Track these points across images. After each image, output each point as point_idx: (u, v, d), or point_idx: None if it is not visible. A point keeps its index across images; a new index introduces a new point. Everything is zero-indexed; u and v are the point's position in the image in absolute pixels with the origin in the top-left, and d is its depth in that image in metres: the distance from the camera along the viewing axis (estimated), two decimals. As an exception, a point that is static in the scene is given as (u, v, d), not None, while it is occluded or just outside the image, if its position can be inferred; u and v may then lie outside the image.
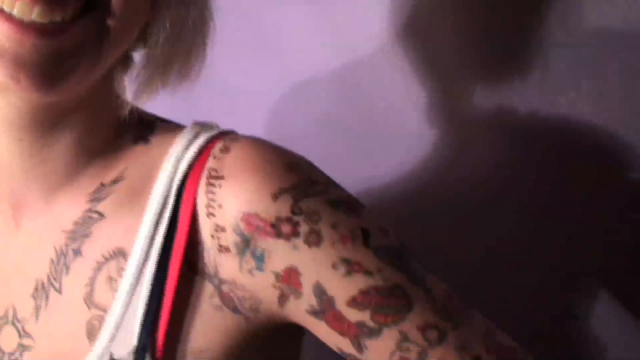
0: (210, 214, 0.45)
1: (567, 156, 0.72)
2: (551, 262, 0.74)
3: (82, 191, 0.49)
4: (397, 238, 0.47)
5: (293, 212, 0.44)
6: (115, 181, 0.48)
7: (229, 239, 0.45)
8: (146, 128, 0.50)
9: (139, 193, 0.48)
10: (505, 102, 0.72)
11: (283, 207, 0.44)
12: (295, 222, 0.44)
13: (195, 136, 0.48)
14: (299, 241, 0.44)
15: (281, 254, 0.44)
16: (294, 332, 0.52)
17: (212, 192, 0.45)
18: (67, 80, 0.41)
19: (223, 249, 0.45)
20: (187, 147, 0.47)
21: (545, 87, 0.70)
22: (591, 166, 0.71)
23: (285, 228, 0.44)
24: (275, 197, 0.44)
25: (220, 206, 0.45)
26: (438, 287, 0.46)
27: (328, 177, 0.48)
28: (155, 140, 0.50)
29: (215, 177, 0.45)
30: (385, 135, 0.78)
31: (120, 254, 0.47)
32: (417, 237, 0.77)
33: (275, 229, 0.44)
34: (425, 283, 0.45)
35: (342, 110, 0.80)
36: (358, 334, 0.44)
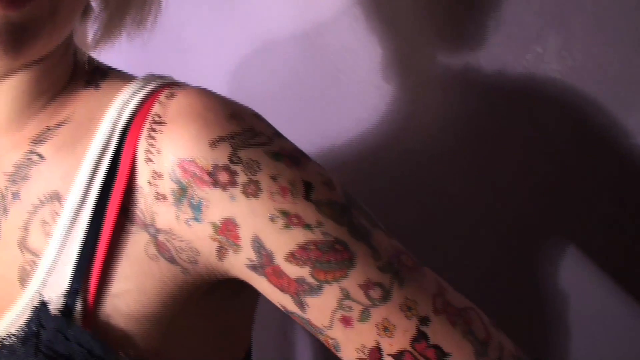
0: (148, 160, 0.44)
1: (534, 113, 0.70)
2: (505, 214, 0.73)
3: (28, 134, 0.48)
4: (344, 194, 0.45)
5: (231, 161, 0.42)
6: (59, 124, 0.48)
7: (166, 186, 0.43)
8: (99, 75, 0.50)
9: (82, 137, 0.46)
10: (471, 60, 0.70)
11: (221, 155, 0.42)
12: (233, 171, 0.42)
13: (146, 84, 0.47)
14: (237, 191, 0.42)
15: (218, 204, 0.42)
16: (244, 296, 0.51)
17: (153, 138, 0.44)
18: (35, 45, 0.43)
19: (160, 196, 0.43)
20: (134, 94, 0.46)
21: (511, 43, 0.68)
22: (559, 123, 0.69)
23: (223, 177, 0.42)
24: (214, 144, 0.42)
25: (158, 152, 0.43)
26: (385, 244, 0.44)
27: (275, 130, 0.46)
28: (106, 85, 0.49)
29: (158, 122, 0.44)
30: (348, 93, 0.77)
31: (56, 197, 0.46)
32: (377, 190, 0.76)
33: (213, 177, 0.42)
34: (369, 239, 0.43)
35: (305, 68, 0.79)
36: (299, 290, 0.42)
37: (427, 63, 0.72)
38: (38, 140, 0.47)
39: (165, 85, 0.47)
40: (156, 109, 0.44)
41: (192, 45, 0.82)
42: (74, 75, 0.50)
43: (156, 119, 0.44)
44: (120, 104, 0.46)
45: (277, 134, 0.46)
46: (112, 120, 0.45)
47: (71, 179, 0.45)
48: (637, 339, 0.69)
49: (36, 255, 0.45)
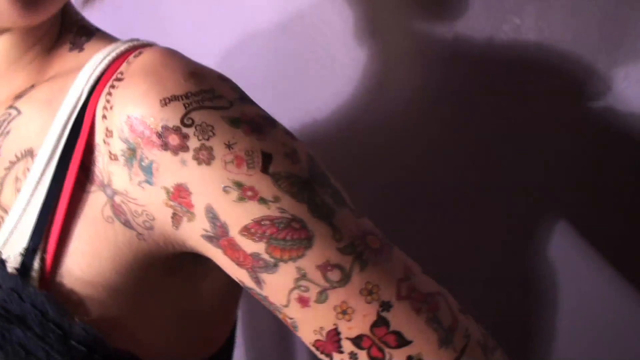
0: (104, 117, 0.42)
1: (514, 86, 0.65)
2: (485, 187, 0.70)
3: (16, 92, 0.48)
4: (310, 168, 0.41)
5: (183, 123, 0.39)
6: (41, 84, 0.48)
7: (116, 145, 0.41)
8: (85, 37, 0.49)
9: (58, 94, 0.46)
10: (448, 31, 0.65)
11: (172, 115, 0.39)
12: (184, 134, 0.39)
13: (123, 44, 0.46)
14: (188, 156, 0.39)
15: (169, 168, 0.39)
16: (215, 278, 0.49)
17: (110, 94, 0.42)
18: (51, 5, 0.43)
19: (113, 156, 0.41)
20: (109, 53, 0.45)
21: (489, 15, 0.63)
22: (538, 94, 0.64)
23: (173, 140, 0.39)
24: (165, 103, 0.39)
25: (111, 108, 0.41)
26: (349, 224, 0.40)
27: (240, 95, 0.42)
28: (89, 47, 0.48)
29: (118, 79, 0.42)
30: (326, 65, 0.74)
31: (30, 154, 0.45)
32: (350, 160, 0.74)
33: (162, 139, 0.39)
34: (332, 218, 0.40)
35: (284, 41, 0.76)
36: (254, 266, 0.40)
37: (403, 34, 0.68)
38: (19, 96, 0.48)
39: (139, 46, 0.45)
40: (122, 67, 0.42)
41: (176, 29, 0.81)
42: (61, 35, 0.50)
43: (118, 76, 0.42)
44: (95, 63, 0.45)
45: (243, 99, 0.41)
46: (85, 78, 0.44)
47: (44, 136, 0.44)
48: (629, 322, 0.66)
49: (5, 212, 0.45)
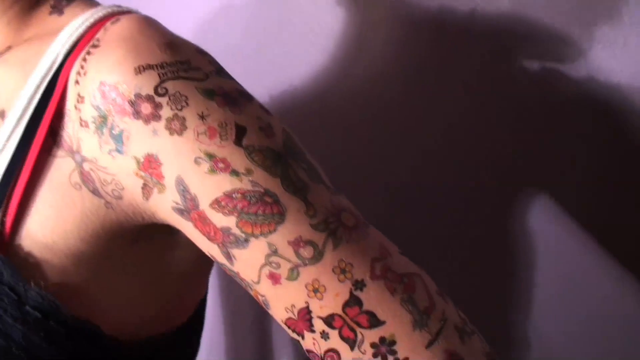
0: (77, 82, 0.41)
1: (491, 55, 0.63)
2: (463, 155, 0.69)
3: None
4: (285, 142, 0.40)
5: (156, 92, 0.38)
6: (18, 45, 0.47)
7: (87, 112, 0.40)
8: (65, 1, 0.49)
9: (32, 57, 0.45)
10: (445, 2, 0.63)
11: (145, 84, 0.38)
12: (157, 104, 0.38)
13: (102, 10, 0.45)
14: (160, 126, 0.38)
15: (140, 137, 0.39)
16: (184, 250, 0.48)
17: (85, 60, 0.41)
18: None
19: (83, 122, 0.41)
20: (88, 19, 0.44)
21: None
22: (532, 66, 0.62)
23: (145, 108, 0.38)
24: (139, 70, 0.39)
25: (85, 73, 0.41)
26: (324, 200, 0.39)
27: (217, 68, 0.41)
28: (69, 11, 0.48)
29: (94, 45, 0.41)
30: (302, 36, 0.73)
31: (1, 115, 0.45)
32: (329, 128, 0.73)
33: (134, 107, 0.38)
34: (305, 193, 0.39)
35: (262, 11, 0.75)
36: (225, 241, 0.39)
37: (382, 2, 0.66)
38: None
39: (118, 13, 0.44)
40: (99, 33, 0.42)
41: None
42: None
43: (95, 42, 0.41)
44: (73, 27, 0.44)
45: (219, 73, 0.41)
46: (62, 42, 0.44)
47: (16, 97, 0.44)
48: (608, 296, 0.64)
49: None
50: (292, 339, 0.90)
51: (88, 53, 0.41)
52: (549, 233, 0.66)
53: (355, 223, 0.39)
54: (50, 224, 0.42)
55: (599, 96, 0.59)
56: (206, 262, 0.53)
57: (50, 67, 0.43)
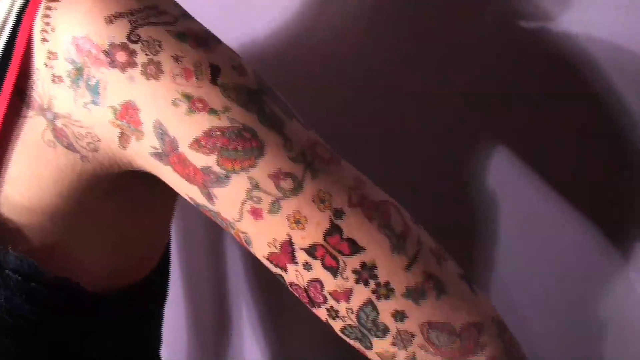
0: (44, 40, 0.41)
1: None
2: (431, 114, 0.70)
3: None
4: (257, 80, 0.41)
5: (130, 39, 0.39)
6: None
7: (61, 67, 0.40)
8: None
9: None
10: None
11: (118, 32, 0.39)
12: (131, 51, 0.39)
13: None
14: (136, 72, 0.39)
15: (117, 86, 0.39)
16: (157, 197, 0.49)
17: (48, 16, 0.41)
18: None
19: (56, 78, 0.41)
20: None
21: None
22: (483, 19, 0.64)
23: (120, 56, 0.39)
24: (110, 20, 0.39)
25: (53, 30, 0.40)
26: (299, 134, 0.41)
27: (183, 12, 0.42)
28: None
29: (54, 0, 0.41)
30: None
31: None
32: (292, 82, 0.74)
33: (109, 56, 0.39)
34: (282, 128, 0.40)
35: None
36: (206, 181, 0.40)
37: None
38: None
39: None
40: None
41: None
42: None
43: None
44: None
45: (186, 16, 0.42)
46: (8, 2, 0.43)
47: None
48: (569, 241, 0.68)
49: None
50: (258, 340, 0.90)
51: (49, 8, 0.40)
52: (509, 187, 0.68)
53: (330, 156, 0.41)
54: (27, 183, 0.42)
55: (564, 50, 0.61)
56: (170, 207, 0.54)
57: (2, 27, 0.42)
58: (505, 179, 0.69)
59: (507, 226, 0.70)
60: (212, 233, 0.92)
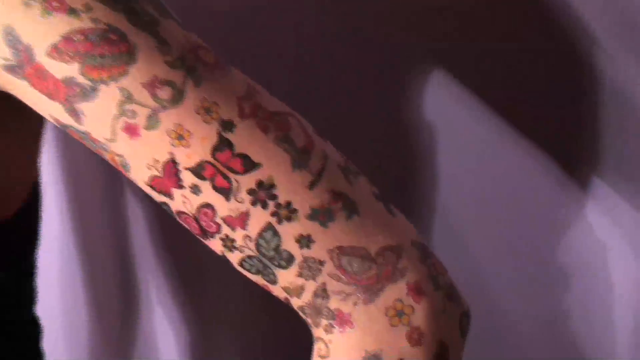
0: None
1: None
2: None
3: None
4: None
5: None
6: None
7: None
8: None
9: None
10: None
11: None
12: None
13: None
14: None
15: None
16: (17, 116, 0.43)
17: None
18: None
19: None
20: None
21: None
22: None
23: None
24: None
25: None
26: (177, 36, 0.35)
27: None
28: None
29: None
30: None
31: None
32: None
33: None
34: (156, 27, 0.35)
35: None
36: (69, 95, 0.34)
37: None
38: None
39: None
40: None
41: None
42: None
43: None
44: None
45: None
46: None
47: None
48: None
49: None
50: (170, 319, 0.76)
51: None
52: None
53: (215, 60, 0.36)
54: None
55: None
56: (37, 139, 0.49)
57: None
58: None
59: (451, 162, 0.65)
60: (110, 178, 0.78)
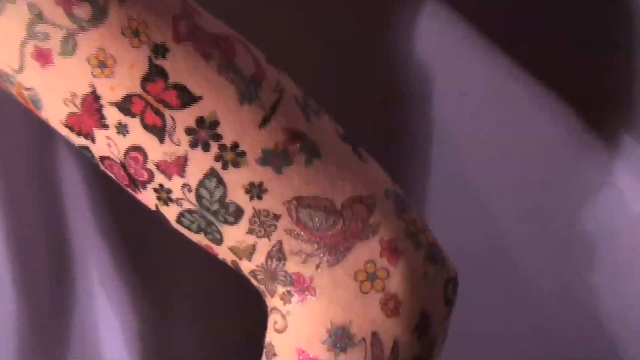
0: None
1: None
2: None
3: None
4: None
5: None
6: None
7: None
8: None
9: None
10: None
11: None
12: None
13: None
14: None
15: None
16: None
17: None
18: None
19: None
20: None
21: None
22: None
23: None
24: None
25: None
26: None
27: None
28: None
29: None
30: None
31: None
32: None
33: None
34: None
35: None
36: None
37: None
38: None
39: None
40: None
41: None
42: None
43: None
44: None
45: None
46: None
47: None
48: None
49: None
50: (112, 303, 0.61)
51: None
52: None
53: None
54: None
55: None
56: None
57: None
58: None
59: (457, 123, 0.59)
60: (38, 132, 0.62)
